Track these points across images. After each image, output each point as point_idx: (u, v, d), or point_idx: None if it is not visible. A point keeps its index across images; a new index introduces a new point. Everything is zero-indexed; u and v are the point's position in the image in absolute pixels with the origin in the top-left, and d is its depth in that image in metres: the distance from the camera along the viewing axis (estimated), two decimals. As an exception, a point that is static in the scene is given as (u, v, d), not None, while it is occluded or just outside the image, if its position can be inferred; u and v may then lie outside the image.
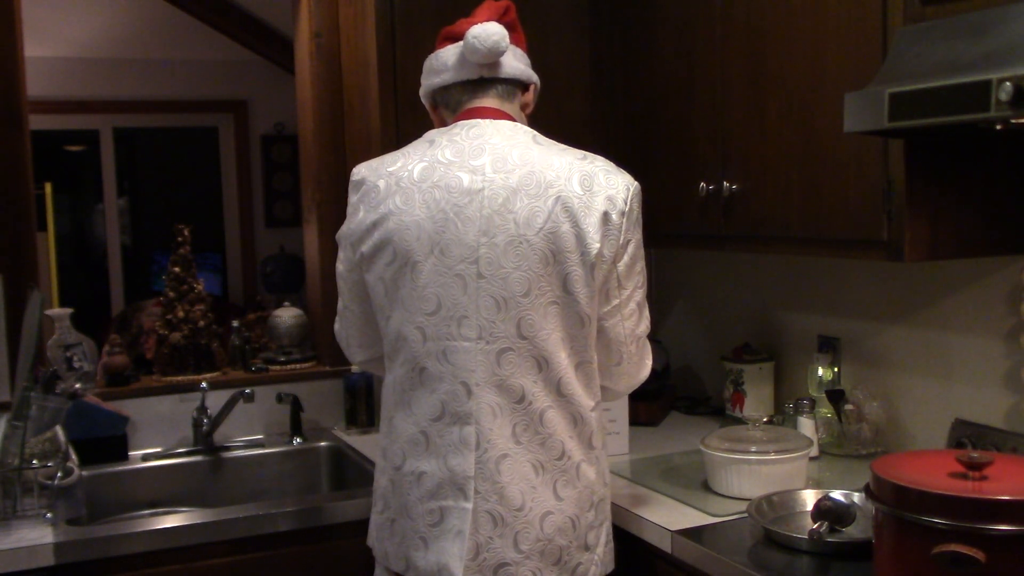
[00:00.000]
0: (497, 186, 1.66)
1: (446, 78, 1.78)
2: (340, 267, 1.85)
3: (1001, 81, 1.34)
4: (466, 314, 1.66)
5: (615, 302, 1.72)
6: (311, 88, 2.81)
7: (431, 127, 1.85)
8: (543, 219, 1.64)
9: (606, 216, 1.66)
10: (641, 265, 1.76)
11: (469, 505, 1.65)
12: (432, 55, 1.82)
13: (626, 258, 1.71)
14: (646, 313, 1.80)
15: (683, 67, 2.32)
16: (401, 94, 2.46)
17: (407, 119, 2.45)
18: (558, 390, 1.68)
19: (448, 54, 1.78)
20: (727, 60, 2.17)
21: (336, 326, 1.96)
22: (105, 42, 5.47)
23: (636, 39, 2.49)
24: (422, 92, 1.86)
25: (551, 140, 1.77)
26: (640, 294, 1.77)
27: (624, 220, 1.68)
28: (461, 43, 1.74)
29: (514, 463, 1.65)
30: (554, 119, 2.49)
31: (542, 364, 1.66)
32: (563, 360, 1.68)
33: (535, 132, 1.77)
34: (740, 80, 2.13)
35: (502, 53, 1.74)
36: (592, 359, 1.73)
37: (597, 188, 1.67)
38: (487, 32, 1.71)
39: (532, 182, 1.66)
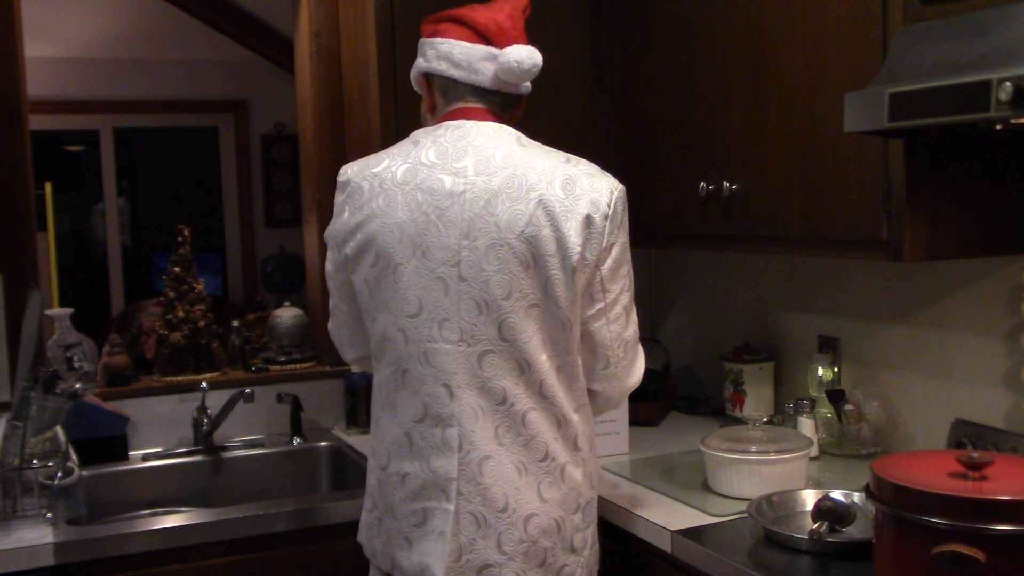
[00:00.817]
0: (479, 189, 1.66)
1: (462, 75, 1.74)
2: (329, 267, 1.84)
3: (1001, 81, 1.34)
4: (447, 316, 1.65)
5: (599, 305, 1.70)
6: (311, 88, 2.81)
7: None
8: (524, 222, 1.63)
9: (588, 219, 1.65)
10: (627, 269, 1.74)
11: (451, 506, 1.64)
12: (450, 43, 1.74)
13: (610, 261, 1.69)
14: (634, 317, 1.78)
15: (683, 67, 2.32)
16: (401, 94, 2.46)
17: (407, 119, 2.45)
18: (540, 392, 1.67)
19: (475, 54, 1.72)
20: (727, 60, 2.17)
21: (329, 324, 1.96)
22: (105, 42, 5.47)
23: (636, 39, 2.49)
24: (419, 70, 1.80)
25: (535, 142, 1.76)
26: (627, 298, 1.75)
27: (607, 223, 1.66)
28: (495, 51, 1.72)
29: (497, 464, 1.65)
30: (554, 119, 2.50)
31: (524, 366, 1.66)
32: (544, 362, 1.67)
33: (520, 134, 1.76)
34: (740, 80, 2.13)
35: (532, 77, 1.75)
36: (575, 362, 1.71)
37: (579, 191, 1.66)
38: (532, 60, 1.72)
39: (514, 185, 1.65)
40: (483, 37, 1.73)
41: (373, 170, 1.74)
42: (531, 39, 1.81)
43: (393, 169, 1.72)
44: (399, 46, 2.46)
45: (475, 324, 1.64)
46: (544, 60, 1.78)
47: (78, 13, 5.19)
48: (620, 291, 1.73)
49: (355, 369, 2.72)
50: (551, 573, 1.68)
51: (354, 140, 2.76)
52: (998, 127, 1.56)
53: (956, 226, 1.77)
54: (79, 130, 5.96)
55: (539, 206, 1.64)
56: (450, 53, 1.74)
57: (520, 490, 1.66)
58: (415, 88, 1.86)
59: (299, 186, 3.17)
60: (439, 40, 1.76)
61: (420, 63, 1.80)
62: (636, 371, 1.83)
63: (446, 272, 1.65)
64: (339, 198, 1.78)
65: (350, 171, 1.78)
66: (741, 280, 2.74)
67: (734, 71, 2.15)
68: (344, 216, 1.75)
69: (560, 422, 1.69)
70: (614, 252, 1.69)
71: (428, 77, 1.80)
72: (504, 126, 1.76)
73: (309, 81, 2.82)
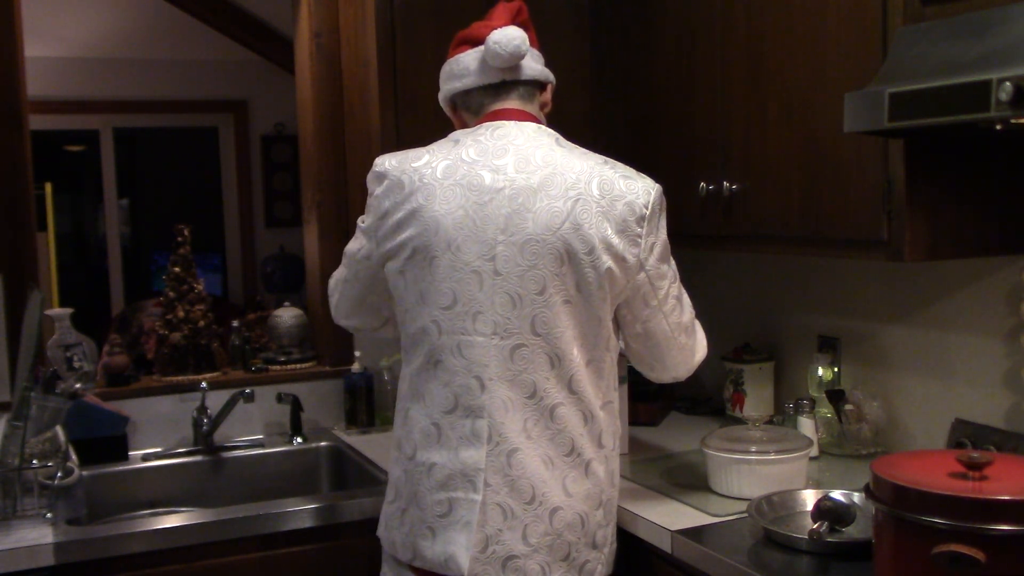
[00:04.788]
0: (519, 186, 1.69)
1: (468, 83, 1.80)
2: (353, 247, 1.86)
3: (1001, 81, 1.34)
4: (481, 310, 1.68)
5: (653, 303, 1.75)
6: (311, 88, 2.81)
7: (431, 127, 1.86)
8: (561, 220, 1.67)
9: (625, 221, 1.69)
10: (670, 262, 1.80)
11: (478, 497, 1.66)
12: (451, 60, 1.83)
13: (653, 259, 1.73)
14: (686, 299, 1.85)
15: (683, 67, 2.32)
16: (401, 94, 2.46)
17: (407, 119, 2.45)
18: (569, 387, 1.70)
19: (468, 59, 1.79)
20: (727, 60, 2.16)
21: (331, 282, 1.98)
22: (105, 42, 5.47)
23: (636, 39, 2.49)
24: (441, 97, 1.87)
25: (573, 144, 1.79)
26: (675, 288, 1.81)
27: (645, 224, 1.71)
28: (481, 48, 1.76)
29: (525, 457, 1.67)
30: (554, 119, 2.48)
31: (555, 361, 1.69)
32: (575, 356, 1.70)
33: (558, 135, 1.80)
34: (740, 80, 2.13)
35: (523, 57, 1.76)
36: (603, 357, 1.75)
37: (617, 193, 1.70)
38: (508, 37, 1.73)
39: (553, 184, 1.69)
40: (476, 43, 1.79)
41: (413, 164, 1.76)
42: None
43: (434, 165, 1.74)
44: (399, 46, 2.46)
45: (508, 318, 1.67)
46: (544, 60, 1.81)
47: (78, 13, 5.19)
48: (668, 284, 1.78)
49: (355, 370, 2.73)
50: (575, 567, 1.71)
51: (354, 140, 2.77)
52: (998, 127, 1.56)
53: (956, 226, 1.77)
54: (79, 130, 5.96)
55: (576, 205, 1.67)
56: (451, 70, 1.83)
57: (547, 482, 1.68)
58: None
59: (299, 186, 3.17)
60: (446, 64, 1.84)
61: (440, 93, 1.87)
62: (700, 347, 1.91)
63: (482, 266, 1.68)
64: (376, 190, 1.79)
65: (387, 164, 1.79)
66: (741, 280, 2.73)
67: (734, 71, 2.15)
68: (383, 209, 1.76)
69: (587, 417, 1.72)
70: (656, 251, 1.74)
71: (452, 102, 1.86)
72: (543, 127, 1.80)
73: (309, 81, 2.82)
